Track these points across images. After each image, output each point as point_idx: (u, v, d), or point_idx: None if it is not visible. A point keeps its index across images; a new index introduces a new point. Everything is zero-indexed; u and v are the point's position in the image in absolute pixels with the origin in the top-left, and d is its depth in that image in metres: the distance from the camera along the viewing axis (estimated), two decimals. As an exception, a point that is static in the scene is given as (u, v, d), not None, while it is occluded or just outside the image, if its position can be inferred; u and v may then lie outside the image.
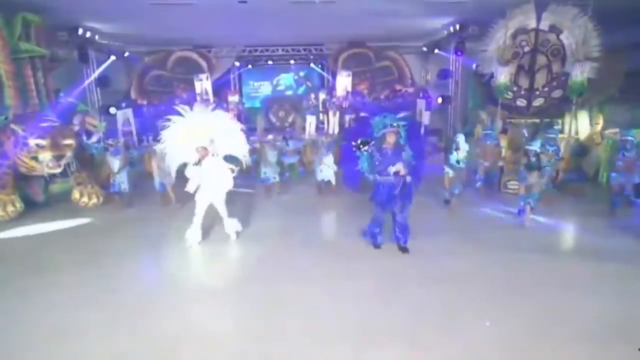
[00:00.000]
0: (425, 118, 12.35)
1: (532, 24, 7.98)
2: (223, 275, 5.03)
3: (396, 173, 4.90)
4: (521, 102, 8.42)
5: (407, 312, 3.91)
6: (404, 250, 5.28)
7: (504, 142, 8.54)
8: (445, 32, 11.43)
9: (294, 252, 5.43)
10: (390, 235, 5.44)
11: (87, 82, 11.05)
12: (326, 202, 7.79)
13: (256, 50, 14.01)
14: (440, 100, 12.54)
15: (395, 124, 4.94)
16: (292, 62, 14.72)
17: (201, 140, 5.33)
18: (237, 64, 14.42)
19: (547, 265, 4.89)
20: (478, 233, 5.98)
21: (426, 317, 3.84)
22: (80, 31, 9.94)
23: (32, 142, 6.68)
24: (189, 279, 4.89)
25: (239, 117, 13.09)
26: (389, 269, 4.86)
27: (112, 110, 10.97)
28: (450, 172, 7.04)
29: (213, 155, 5.46)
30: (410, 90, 13.75)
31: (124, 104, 11.33)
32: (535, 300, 4.09)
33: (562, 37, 7.91)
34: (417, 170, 5.18)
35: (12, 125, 6.78)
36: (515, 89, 8.38)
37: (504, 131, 8.77)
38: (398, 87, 13.96)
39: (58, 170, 7.03)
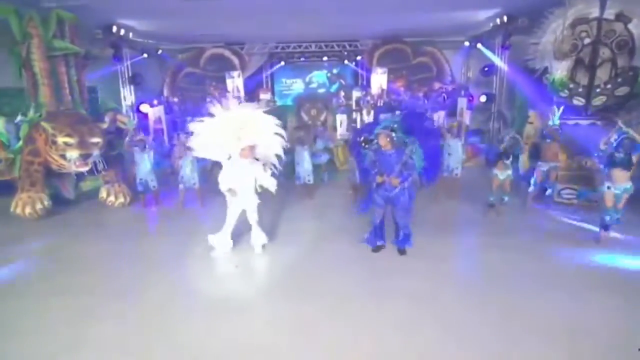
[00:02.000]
0: (466, 118, 11.52)
1: (595, 12, 7.07)
2: (245, 289, 4.59)
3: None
4: (578, 101, 7.51)
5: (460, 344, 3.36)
6: (400, 251, 5.14)
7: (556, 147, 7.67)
8: (491, 24, 10.57)
9: (323, 264, 4.96)
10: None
11: (120, 80, 11.14)
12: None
13: (288, 47, 13.67)
14: (483, 98, 11.66)
15: (386, 126, 4.73)
16: (325, 59, 14.26)
17: (246, 139, 4.85)
18: (269, 60, 14.14)
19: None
20: (549, 249, 5.27)
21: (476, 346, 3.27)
22: (115, 29, 9.98)
23: (60, 139, 6.64)
24: (209, 291, 4.50)
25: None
26: (425, 288, 4.31)
27: (144, 107, 10.98)
28: (499, 175, 6.38)
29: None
30: (450, 88, 12.92)
31: (155, 101, 11.33)
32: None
33: (630, 26, 6.94)
34: (429, 169, 4.95)
35: (42, 123, 6.77)
36: (572, 85, 7.49)
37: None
38: (437, 84, 13.17)
39: (85, 169, 6.97)
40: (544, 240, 5.57)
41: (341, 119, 12.10)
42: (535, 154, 7.57)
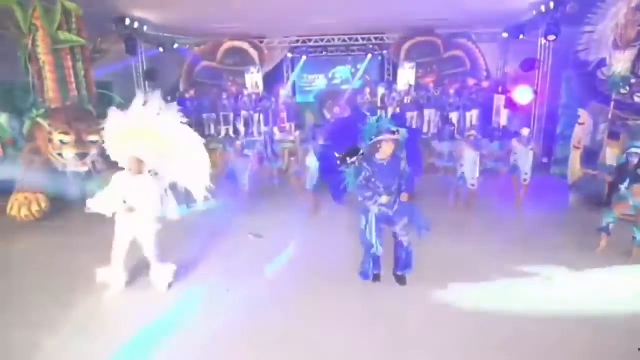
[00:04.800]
0: (503, 117, 10.43)
1: (667, -8, 5.95)
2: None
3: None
4: (641, 99, 6.41)
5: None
6: (399, 279, 4.25)
7: (614, 151, 6.60)
8: (534, 12, 9.42)
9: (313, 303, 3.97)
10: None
11: (135, 75, 10.78)
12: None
13: (310, 41, 12.93)
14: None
15: (394, 129, 3.85)
16: (349, 53, 13.42)
17: (135, 149, 3.80)
18: (290, 55, 13.46)
19: None
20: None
21: None
22: (128, 22, 9.57)
23: (56, 137, 6.22)
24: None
25: (288, 113, 12.22)
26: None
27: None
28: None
29: (150, 172, 3.98)
30: (486, 84, 11.82)
31: (169, 98, 10.88)
32: None
33: None
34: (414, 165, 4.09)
35: (38, 120, 6.37)
36: (634, 81, 6.38)
37: (615, 136, 6.79)
38: (470, 80, 12.08)
39: (84, 169, 6.53)
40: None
41: (365, 116, 11.26)
42: (587, 161, 6.53)
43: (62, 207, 6.57)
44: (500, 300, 3.92)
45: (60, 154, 6.34)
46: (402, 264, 4.23)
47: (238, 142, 7.06)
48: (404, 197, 3.93)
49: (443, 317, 3.68)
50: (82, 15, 7.72)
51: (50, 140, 6.28)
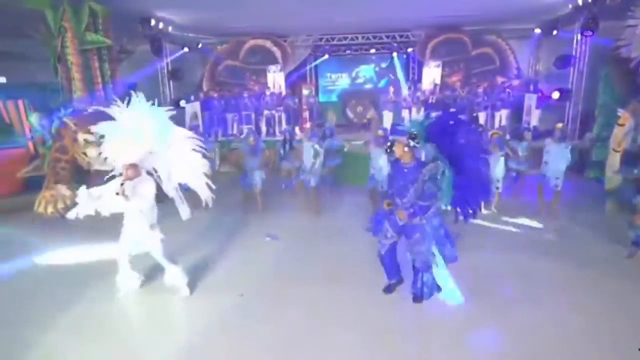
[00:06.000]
0: (534, 118, 9.94)
1: None
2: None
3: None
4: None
5: None
6: (413, 296, 3.84)
7: (655, 154, 6.10)
8: (570, 5, 8.90)
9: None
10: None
11: (160, 75, 10.95)
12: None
13: (334, 39, 12.77)
14: (556, 95, 9.95)
15: (406, 131, 3.49)
16: (373, 51, 13.18)
17: (130, 155, 3.68)
18: (313, 53, 13.34)
19: None
20: None
21: None
22: (153, 22, 9.71)
23: (81, 137, 6.34)
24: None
25: (310, 112, 12.12)
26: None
27: (183, 103, 10.68)
28: None
29: (149, 172, 3.88)
30: (516, 82, 11.31)
31: (192, 97, 11.01)
32: None
33: None
34: (465, 196, 3.50)
35: (65, 119, 6.53)
36: (681, 78, 5.89)
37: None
38: (500, 79, 11.61)
39: (108, 169, 6.61)
40: None
41: (388, 116, 11.03)
42: (627, 165, 6.06)
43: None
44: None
45: (84, 153, 6.46)
46: (415, 283, 3.82)
47: (251, 138, 6.73)
48: (401, 214, 3.54)
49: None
50: (108, 17, 7.88)
51: (76, 140, 6.42)
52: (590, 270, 4.42)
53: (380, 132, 6.04)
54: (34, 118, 7.65)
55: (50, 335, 3.53)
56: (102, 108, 3.88)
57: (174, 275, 4.06)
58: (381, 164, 5.81)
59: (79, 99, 7.40)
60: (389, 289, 4.00)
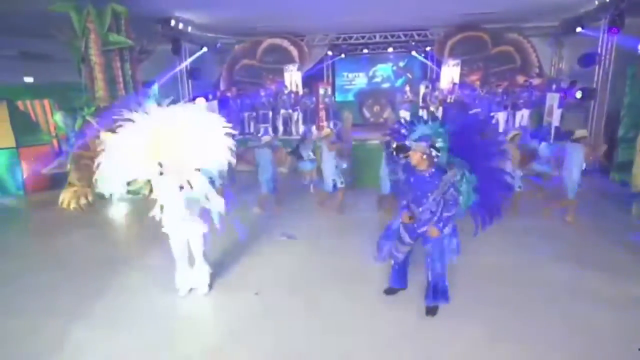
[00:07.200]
0: (556, 118, 9.68)
1: None
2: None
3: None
4: None
5: None
6: (427, 309, 3.62)
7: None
8: (596, 2, 8.64)
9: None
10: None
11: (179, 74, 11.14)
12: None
13: (351, 38, 12.73)
14: (579, 94, 9.66)
15: (426, 136, 3.24)
16: (390, 50, 13.08)
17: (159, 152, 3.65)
18: (329, 53, 13.33)
19: None
20: None
21: None
22: (173, 22, 9.88)
23: (103, 135, 6.50)
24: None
25: (327, 112, 12.09)
26: None
27: (200, 101, 10.81)
28: None
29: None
30: (538, 81, 11.05)
31: (210, 95, 11.15)
32: None
33: None
34: (486, 203, 3.40)
35: (88, 117, 6.71)
36: None
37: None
38: (520, 78, 11.36)
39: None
40: None
41: (404, 115, 10.92)
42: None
43: (108, 201, 6.94)
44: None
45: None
46: (429, 290, 3.61)
47: (266, 137, 6.61)
48: (433, 231, 3.35)
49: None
50: (129, 18, 8.05)
51: (97, 137, 6.59)
52: (610, 274, 4.28)
53: None
54: (58, 117, 7.91)
55: (81, 324, 3.65)
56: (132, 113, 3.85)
57: (202, 273, 4.15)
58: None
59: (105, 105, 7.52)
60: (391, 291, 3.94)
